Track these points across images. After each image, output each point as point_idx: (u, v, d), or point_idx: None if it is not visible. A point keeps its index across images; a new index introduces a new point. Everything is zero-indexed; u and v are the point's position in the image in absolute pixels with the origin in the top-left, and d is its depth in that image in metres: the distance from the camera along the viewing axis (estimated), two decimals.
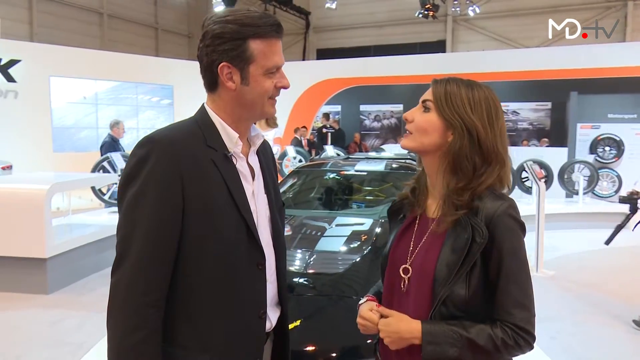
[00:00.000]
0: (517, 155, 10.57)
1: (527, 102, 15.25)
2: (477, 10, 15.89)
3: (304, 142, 11.39)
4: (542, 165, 8.29)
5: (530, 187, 7.99)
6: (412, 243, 1.31)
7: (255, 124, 5.01)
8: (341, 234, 3.36)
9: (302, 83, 13.47)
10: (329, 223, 3.55)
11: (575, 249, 6.72)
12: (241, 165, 1.32)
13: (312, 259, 2.99)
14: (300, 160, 9.29)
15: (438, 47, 17.33)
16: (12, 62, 10.35)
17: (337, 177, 4.50)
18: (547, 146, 12.29)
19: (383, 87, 15.04)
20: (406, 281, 1.28)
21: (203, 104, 1.34)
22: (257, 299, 1.31)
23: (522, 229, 1.22)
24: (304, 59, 18.99)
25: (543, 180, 7.38)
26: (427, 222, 1.31)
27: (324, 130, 11.85)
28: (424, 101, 1.28)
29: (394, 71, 14.03)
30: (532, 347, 1.19)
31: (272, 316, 1.39)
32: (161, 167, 1.19)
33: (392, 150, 11.48)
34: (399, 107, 16.67)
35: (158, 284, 1.18)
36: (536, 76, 13.07)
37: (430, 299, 1.21)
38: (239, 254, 1.26)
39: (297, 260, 2.98)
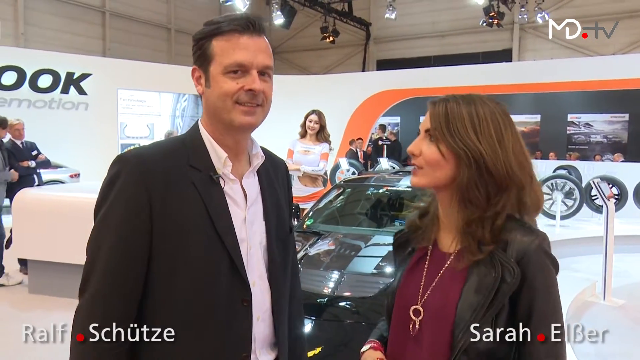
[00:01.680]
0: (588, 171, 9.87)
1: (602, 114, 14.30)
2: (547, 17, 15.11)
3: (360, 154, 11.23)
4: (615, 182, 7.64)
5: (601, 206, 7.37)
6: (423, 281, 1.15)
7: (302, 137, 4.83)
8: (376, 254, 3.17)
9: (361, 94, 13.36)
10: (365, 242, 3.37)
11: None
12: (231, 188, 1.18)
13: (341, 281, 2.83)
14: (353, 173, 9.13)
15: (503, 56, 16.63)
16: (84, 76, 11.00)
17: (378, 192, 4.31)
18: (621, 161, 11.38)
19: None
20: (417, 324, 1.12)
21: (198, 119, 1.24)
22: (239, 340, 1.16)
23: (556, 267, 1.09)
24: (363, 70, 18.89)
25: (613, 199, 6.78)
26: (441, 258, 1.15)
27: (380, 142, 11.65)
28: (427, 130, 1.12)
29: (457, 82, 13.57)
30: None
31: (264, 359, 1.23)
32: (128, 188, 1.10)
33: None
34: None
35: (121, 313, 1.09)
36: (612, 86, 12.21)
37: (449, 346, 1.06)
38: (217, 288, 1.12)
39: (325, 282, 2.83)
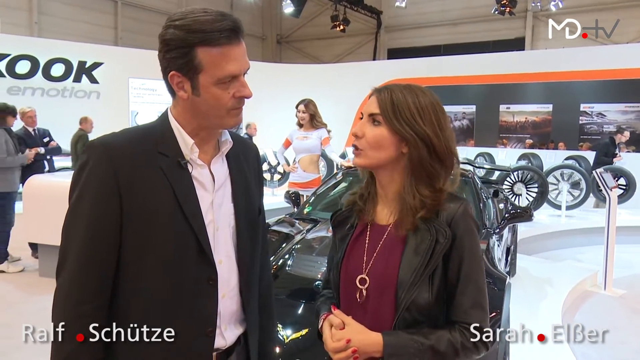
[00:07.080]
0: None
1: (615, 103, 14.09)
2: (560, 5, 14.89)
3: None
4: (623, 173, 7.59)
5: None
6: (365, 252, 1.27)
7: (300, 127, 4.95)
8: None
9: (370, 83, 13.25)
10: None
11: None
12: (199, 173, 1.24)
13: None
14: None
15: (515, 44, 16.45)
16: (96, 65, 11.15)
17: None
18: (626, 152, 11.25)
19: (455, 87, 14.53)
20: (363, 292, 1.23)
21: (167, 107, 1.29)
22: (205, 316, 1.23)
23: (478, 229, 1.24)
24: (374, 59, 18.80)
25: (618, 189, 6.74)
26: (380, 230, 1.27)
27: None
28: (371, 115, 1.23)
29: (467, 70, 13.50)
30: (488, 349, 1.18)
31: (230, 334, 1.29)
32: (97, 173, 1.15)
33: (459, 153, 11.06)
34: (472, 107, 16.01)
35: (95, 293, 1.15)
36: (626, 75, 12.05)
37: (394, 306, 1.18)
38: (184, 267, 1.19)
39: (317, 267, 2.89)
